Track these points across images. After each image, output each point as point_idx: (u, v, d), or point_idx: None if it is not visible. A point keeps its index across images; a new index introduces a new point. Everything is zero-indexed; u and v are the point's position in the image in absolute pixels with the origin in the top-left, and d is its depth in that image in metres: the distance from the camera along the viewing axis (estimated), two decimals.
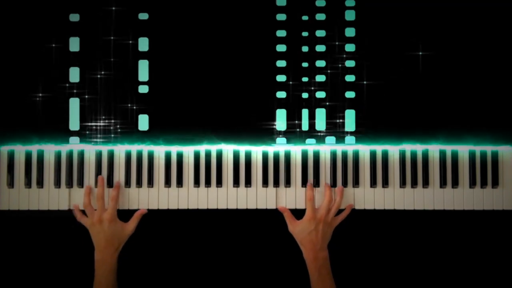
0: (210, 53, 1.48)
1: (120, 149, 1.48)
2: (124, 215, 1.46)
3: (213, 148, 1.48)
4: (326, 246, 1.43)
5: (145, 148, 1.48)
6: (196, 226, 1.56)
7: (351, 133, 1.49)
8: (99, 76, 1.47)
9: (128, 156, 1.48)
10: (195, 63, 1.48)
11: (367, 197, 1.49)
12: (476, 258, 1.56)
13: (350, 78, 1.48)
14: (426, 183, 1.49)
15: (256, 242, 1.57)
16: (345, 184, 1.48)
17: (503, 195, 1.49)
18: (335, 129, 1.49)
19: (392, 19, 1.48)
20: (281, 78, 1.49)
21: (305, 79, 1.49)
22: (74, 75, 1.47)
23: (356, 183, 1.48)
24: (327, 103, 1.48)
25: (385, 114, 1.48)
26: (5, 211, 1.46)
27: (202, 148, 1.48)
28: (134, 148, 1.48)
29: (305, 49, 1.49)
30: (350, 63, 1.48)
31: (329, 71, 1.49)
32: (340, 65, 1.49)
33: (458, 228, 1.56)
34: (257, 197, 1.49)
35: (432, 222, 1.53)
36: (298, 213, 1.46)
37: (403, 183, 1.48)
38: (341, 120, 1.48)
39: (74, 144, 1.47)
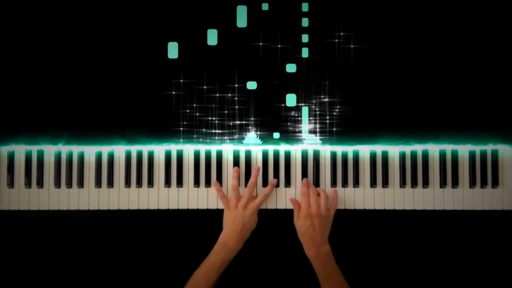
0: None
1: (120, 150, 1.48)
2: (126, 215, 1.46)
3: (213, 148, 1.48)
4: (326, 240, 1.42)
5: (144, 148, 1.48)
6: (196, 226, 1.56)
7: (351, 133, 1.48)
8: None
9: (128, 156, 1.48)
10: None
11: (367, 197, 1.49)
12: (476, 258, 1.57)
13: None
14: (426, 183, 1.48)
15: (255, 242, 1.56)
16: (345, 184, 1.48)
17: (503, 195, 1.49)
18: (335, 129, 1.49)
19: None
20: None
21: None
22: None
23: (356, 183, 1.48)
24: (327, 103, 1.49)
25: (385, 114, 1.48)
26: (5, 211, 1.47)
27: (202, 147, 1.48)
28: (133, 148, 1.48)
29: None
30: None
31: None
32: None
33: (458, 228, 1.56)
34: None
35: (432, 222, 1.53)
36: None
37: (403, 183, 1.48)
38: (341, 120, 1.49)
39: (74, 146, 1.47)
